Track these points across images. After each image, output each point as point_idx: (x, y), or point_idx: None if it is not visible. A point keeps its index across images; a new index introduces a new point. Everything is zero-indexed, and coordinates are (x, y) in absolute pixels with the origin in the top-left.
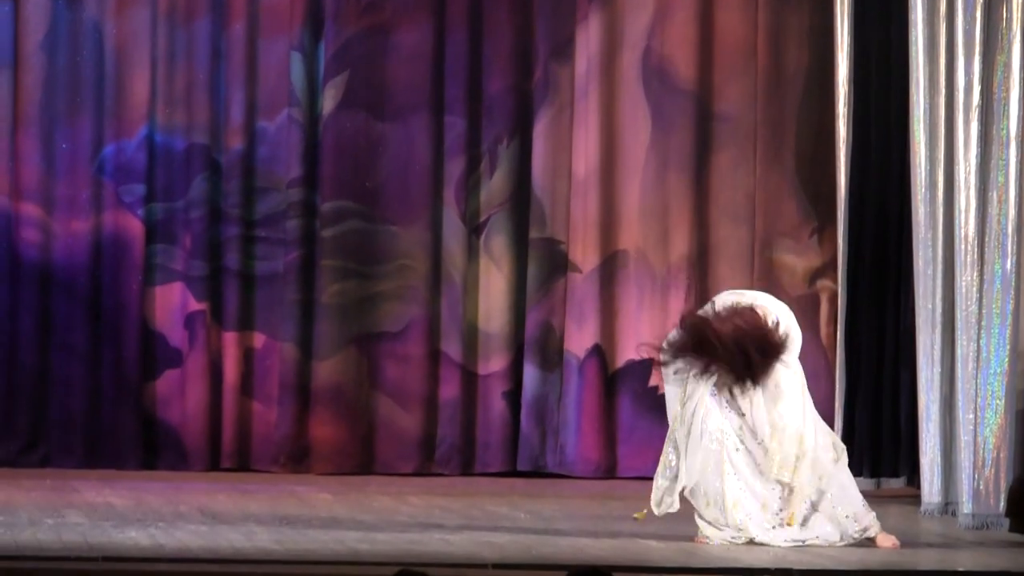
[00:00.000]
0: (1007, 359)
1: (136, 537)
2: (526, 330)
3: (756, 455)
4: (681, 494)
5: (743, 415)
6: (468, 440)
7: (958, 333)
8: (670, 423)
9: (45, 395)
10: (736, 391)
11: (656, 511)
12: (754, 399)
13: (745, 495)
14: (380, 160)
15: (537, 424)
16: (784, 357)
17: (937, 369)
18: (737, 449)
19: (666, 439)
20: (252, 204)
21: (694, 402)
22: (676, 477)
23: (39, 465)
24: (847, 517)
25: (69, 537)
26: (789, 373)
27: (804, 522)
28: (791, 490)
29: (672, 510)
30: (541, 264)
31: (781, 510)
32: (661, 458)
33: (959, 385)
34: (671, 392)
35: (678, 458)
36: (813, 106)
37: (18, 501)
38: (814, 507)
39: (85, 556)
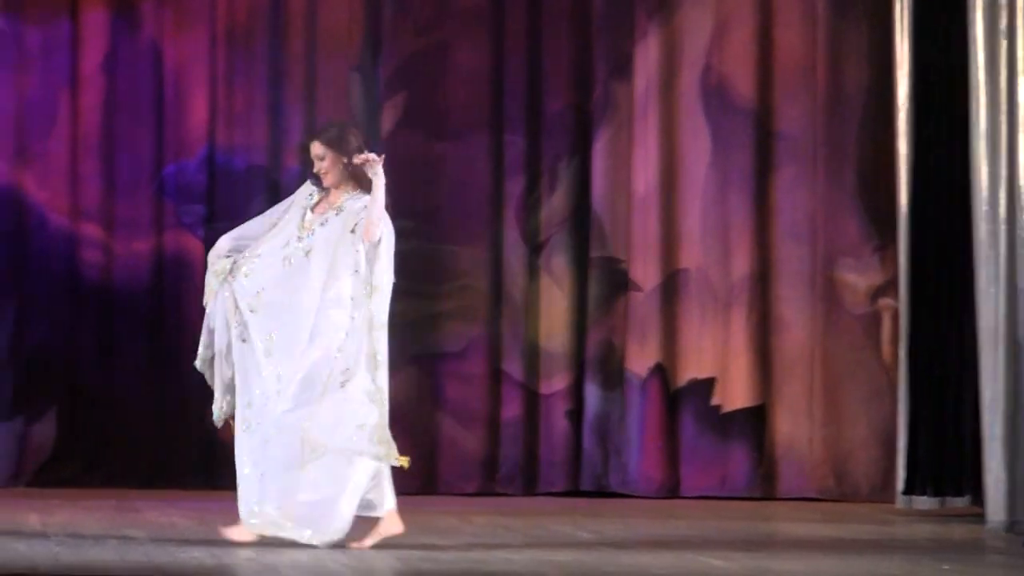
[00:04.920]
0: None
1: (199, 556)
2: (587, 349)
3: None
4: None
5: None
6: (531, 459)
7: (1021, 350)
8: None
9: (108, 416)
10: None
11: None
12: None
13: None
14: (440, 179)
15: (599, 443)
16: None
17: (1000, 386)
18: None
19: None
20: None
21: None
22: None
23: (102, 485)
24: None
25: (132, 556)
26: None
27: None
28: None
29: None
30: (602, 283)
31: None
32: None
33: (1023, 402)
34: None
35: None
36: (873, 124)
37: (82, 521)
38: None
39: (147, 575)
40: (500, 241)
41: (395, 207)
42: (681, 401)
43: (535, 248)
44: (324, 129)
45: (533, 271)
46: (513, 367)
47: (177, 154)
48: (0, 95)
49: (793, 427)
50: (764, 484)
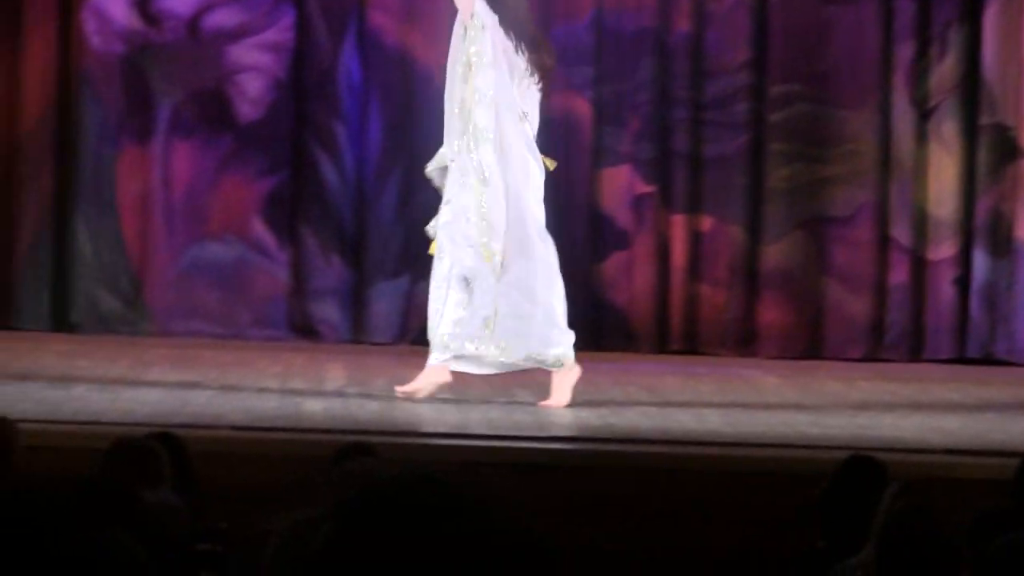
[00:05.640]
0: None
1: (587, 417)
2: (976, 216)
3: None
4: None
5: None
6: (917, 326)
7: None
8: None
9: None
10: None
11: None
12: None
13: None
14: (829, 44)
15: (987, 311)
16: None
17: None
18: None
19: None
20: (700, 87)
21: None
22: None
23: None
24: None
25: (520, 417)
26: None
27: None
28: None
29: None
30: (991, 150)
31: None
32: None
33: None
34: None
35: None
36: None
37: (470, 380)
38: None
39: (533, 435)
40: (889, 106)
41: (784, 71)
42: None
43: (924, 114)
44: None
45: (922, 137)
46: (901, 233)
47: (566, 15)
48: None
49: None
50: None
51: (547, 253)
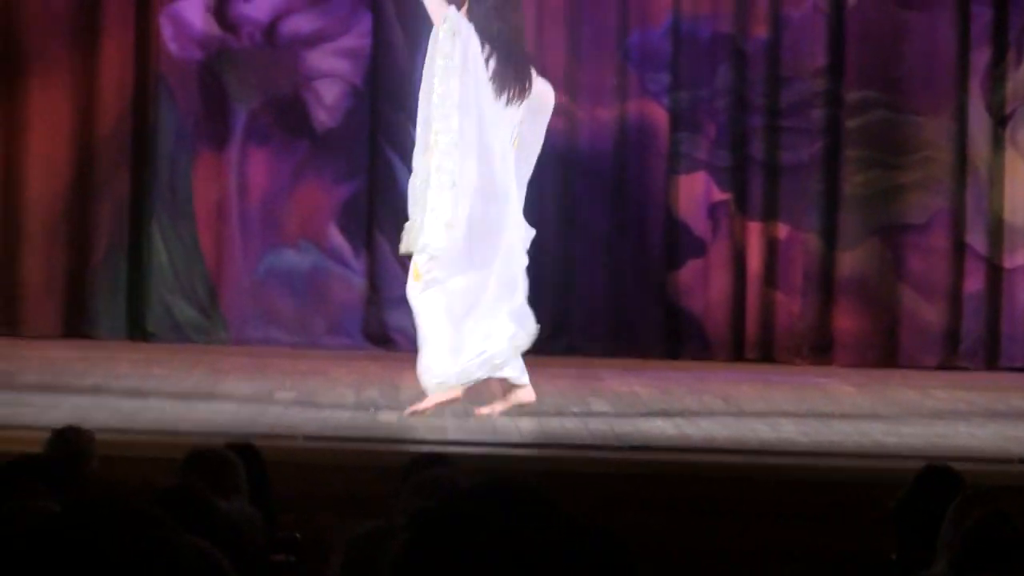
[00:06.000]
0: None
1: (662, 427)
2: None
3: None
4: None
5: None
6: (993, 334)
7: None
8: None
9: (569, 282)
10: None
11: None
12: None
13: None
14: (905, 49)
15: None
16: None
17: None
18: None
19: None
20: (777, 93)
21: None
22: None
23: (564, 352)
24: None
25: (595, 426)
26: None
27: None
28: None
29: None
30: None
31: None
32: None
33: None
34: None
35: None
36: None
37: (544, 390)
38: None
39: (611, 445)
40: (964, 112)
41: (860, 77)
42: None
43: (1000, 120)
44: None
45: (998, 143)
46: (976, 240)
47: (643, 22)
48: None
49: None
50: None
51: (505, 269)
